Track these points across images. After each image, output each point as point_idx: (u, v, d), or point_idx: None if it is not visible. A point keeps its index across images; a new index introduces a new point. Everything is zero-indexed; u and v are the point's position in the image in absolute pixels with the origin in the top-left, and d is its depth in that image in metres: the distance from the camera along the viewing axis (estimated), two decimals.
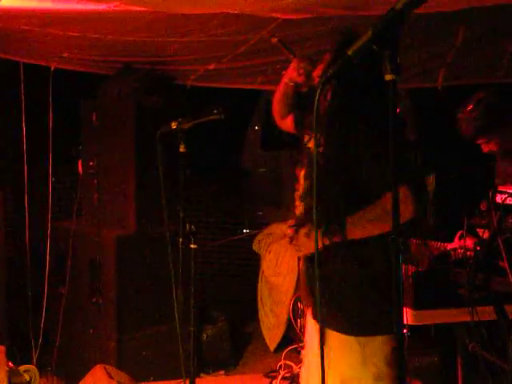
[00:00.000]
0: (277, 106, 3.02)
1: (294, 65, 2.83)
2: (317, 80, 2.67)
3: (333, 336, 2.37)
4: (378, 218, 2.30)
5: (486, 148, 3.61)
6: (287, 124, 3.00)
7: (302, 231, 2.47)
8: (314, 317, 2.56)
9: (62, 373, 4.66)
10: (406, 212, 2.23)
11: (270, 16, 3.69)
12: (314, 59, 2.78)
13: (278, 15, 3.67)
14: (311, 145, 2.61)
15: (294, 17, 3.66)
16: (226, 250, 6.34)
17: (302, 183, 2.62)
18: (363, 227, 2.36)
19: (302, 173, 2.63)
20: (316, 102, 1.70)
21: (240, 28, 4.02)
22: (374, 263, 2.39)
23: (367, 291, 2.37)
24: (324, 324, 2.40)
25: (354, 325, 2.33)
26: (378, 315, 2.36)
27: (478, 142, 3.58)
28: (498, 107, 3.50)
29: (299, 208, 2.63)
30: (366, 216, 2.35)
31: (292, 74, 2.83)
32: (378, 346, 2.35)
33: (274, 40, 3.16)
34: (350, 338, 2.37)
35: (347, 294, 2.33)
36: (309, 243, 2.43)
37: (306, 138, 2.70)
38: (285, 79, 2.90)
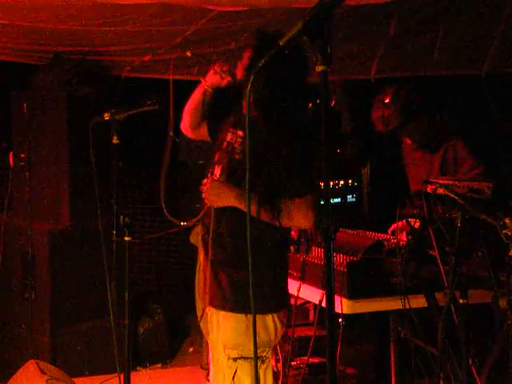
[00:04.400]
0: (190, 118, 3.04)
1: (215, 70, 2.86)
2: (239, 78, 2.78)
3: (222, 314, 2.69)
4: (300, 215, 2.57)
5: (406, 141, 3.71)
6: (201, 132, 3.07)
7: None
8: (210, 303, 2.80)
9: None
10: (304, 223, 2.59)
11: (204, 8, 3.68)
12: (231, 60, 2.87)
13: (213, 7, 3.66)
14: (234, 142, 2.76)
15: (228, 9, 3.65)
16: (163, 242, 6.29)
17: (216, 177, 2.78)
18: (291, 216, 2.59)
19: (219, 169, 2.78)
20: (248, 92, 1.71)
21: (176, 19, 3.99)
22: (264, 247, 2.63)
23: (259, 275, 2.50)
24: (218, 307, 2.71)
25: (246, 305, 2.55)
26: (267, 298, 2.64)
27: (399, 134, 3.66)
28: (415, 96, 3.60)
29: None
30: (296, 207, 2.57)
31: (214, 79, 2.87)
32: (263, 321, 2.64)
33: (189, 53, 3.21)
34: (239, 315, 2.63)
35: (243, 277, 2.54)
36: (216, 198, 2.68)
37: (229, 136, 2.80)
38: (204, 86, 2.93)
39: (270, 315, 2.65)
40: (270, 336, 2.67)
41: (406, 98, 3.57)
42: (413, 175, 3.89)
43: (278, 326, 2.68)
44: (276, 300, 2.70)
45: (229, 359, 2.66)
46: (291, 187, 2.57)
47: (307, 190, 2.58)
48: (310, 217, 2.56)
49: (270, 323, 2.66)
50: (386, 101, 3.56)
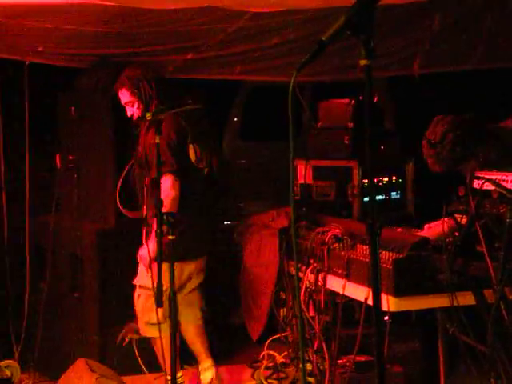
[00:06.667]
0: None
1: None
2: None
3: None
4: None
5: (468, 173, 3.53)
6: None
7: None
8: None
9: (44, 368, 4.63)
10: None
11: (240, 10, 3.68)
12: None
13: (249, 9, 3.66)
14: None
15: (265, 10, 3.65)
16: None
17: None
18: None
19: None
20: (291, 89, 1.71)
21: (217, 17, 4.00)
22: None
23: None
24: None
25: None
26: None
27: (457, 170, 3.48)
28: (463, 137, 3.37)
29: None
30: None
31: None
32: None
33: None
34: None
35: None
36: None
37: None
38: None
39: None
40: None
41: (451, 144, 3.32)
42: None
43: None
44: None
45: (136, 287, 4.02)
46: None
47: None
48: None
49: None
50: (433, 142, 3.38)
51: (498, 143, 3.44)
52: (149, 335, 4.13)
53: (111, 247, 4.53)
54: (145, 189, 3.99)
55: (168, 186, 3.84)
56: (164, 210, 3.54)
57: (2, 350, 4.38)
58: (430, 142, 3.38)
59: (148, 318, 4.00)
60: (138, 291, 4.09)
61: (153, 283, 3.49)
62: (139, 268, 4.07)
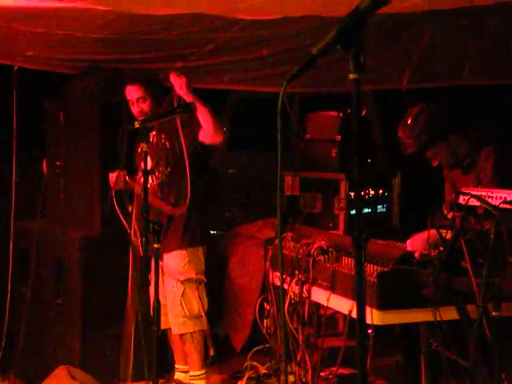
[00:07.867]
0: None
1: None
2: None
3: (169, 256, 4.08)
4: None
5: (434, 162, 3.62)
6: None
7: None
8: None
9: (25, 374, 4.60)
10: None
11: (234, 17, 3.70)
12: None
13: (243, 16, 3.68)
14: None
15: (260, 18, 3.67)
16: None
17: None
18: None
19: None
20: (281, 99, 1.71)
21: (207, 26, 4.02)
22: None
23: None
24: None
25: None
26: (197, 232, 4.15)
27: (426, 156, 3.58)
28: (437, 118, 3.49)
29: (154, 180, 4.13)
30: None
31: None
32: (197, 253, 4.17)
33: None
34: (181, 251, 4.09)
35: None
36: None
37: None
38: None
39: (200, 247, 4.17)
40: (202, 265, 4.20)
41: (424, 122, 3.45)
42: (449, 193, 3.81)
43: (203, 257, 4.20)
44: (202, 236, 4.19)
45: (177, 282, 4.09)
46: None
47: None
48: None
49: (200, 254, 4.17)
50: (408, 122, 3.50)
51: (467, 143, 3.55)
52: (186, 330, 4.21)
53: (96, 254, 4.51)
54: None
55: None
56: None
57: None
58: (403, 124, 3.50)
59: (192, 312, 4.18)
60: (180, 287, 4.13)
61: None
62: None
